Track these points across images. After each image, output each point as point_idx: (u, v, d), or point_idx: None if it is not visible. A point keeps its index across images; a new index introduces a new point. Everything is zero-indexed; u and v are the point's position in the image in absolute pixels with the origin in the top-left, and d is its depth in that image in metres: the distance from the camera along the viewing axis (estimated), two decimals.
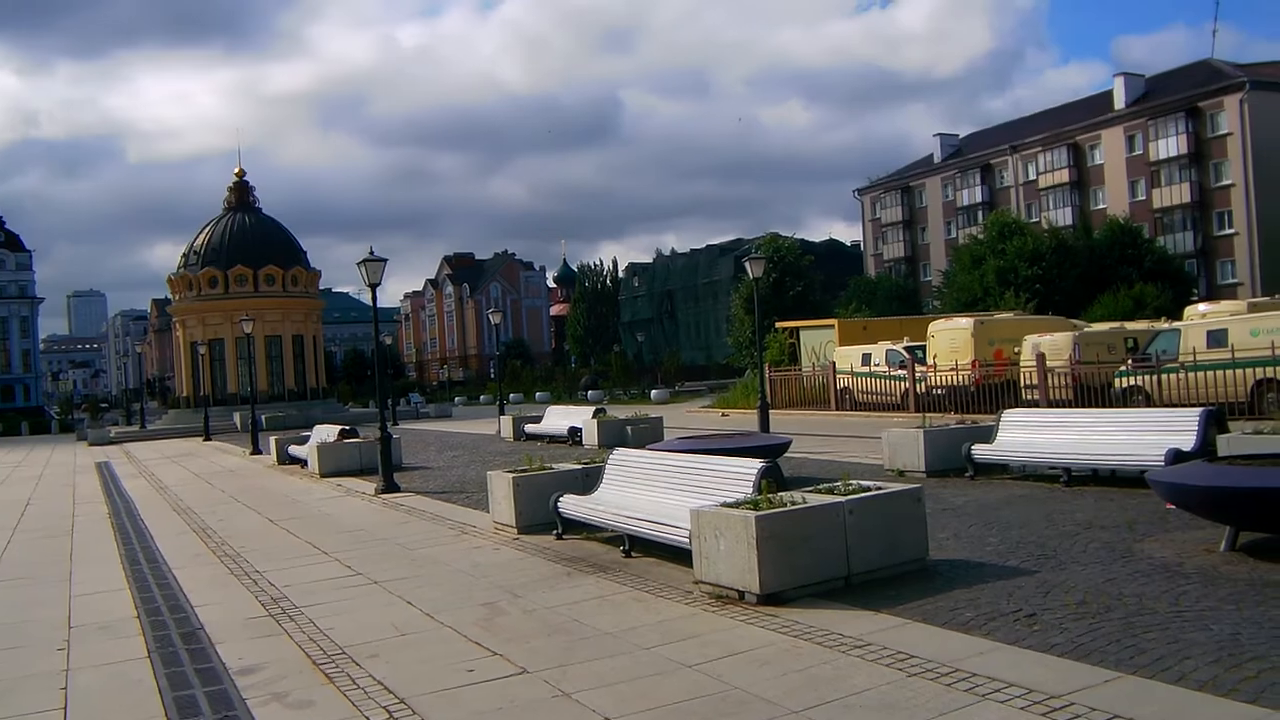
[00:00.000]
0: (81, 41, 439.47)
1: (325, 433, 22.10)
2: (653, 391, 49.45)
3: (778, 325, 39.46)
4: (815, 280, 48.40)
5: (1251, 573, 7.48)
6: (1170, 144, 62.69)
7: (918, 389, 29.02)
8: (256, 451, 28.09)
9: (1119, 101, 66.88)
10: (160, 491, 19.47)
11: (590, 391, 56.58)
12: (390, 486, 16.02)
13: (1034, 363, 25.74)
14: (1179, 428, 12.07)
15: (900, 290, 71.13)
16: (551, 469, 11.55)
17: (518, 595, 8.30)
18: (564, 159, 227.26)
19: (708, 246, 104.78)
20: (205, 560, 11.02)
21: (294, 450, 22.94)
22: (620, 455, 10.72)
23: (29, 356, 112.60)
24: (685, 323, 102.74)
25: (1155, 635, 6.11)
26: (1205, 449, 11.77)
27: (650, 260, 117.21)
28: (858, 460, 17.25)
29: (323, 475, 19.53)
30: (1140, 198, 64.24)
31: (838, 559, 7.72)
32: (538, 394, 59.20)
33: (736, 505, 7.85)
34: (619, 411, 25.83)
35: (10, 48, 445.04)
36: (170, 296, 55.18)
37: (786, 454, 15.38)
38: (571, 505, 10.27)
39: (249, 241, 53.05)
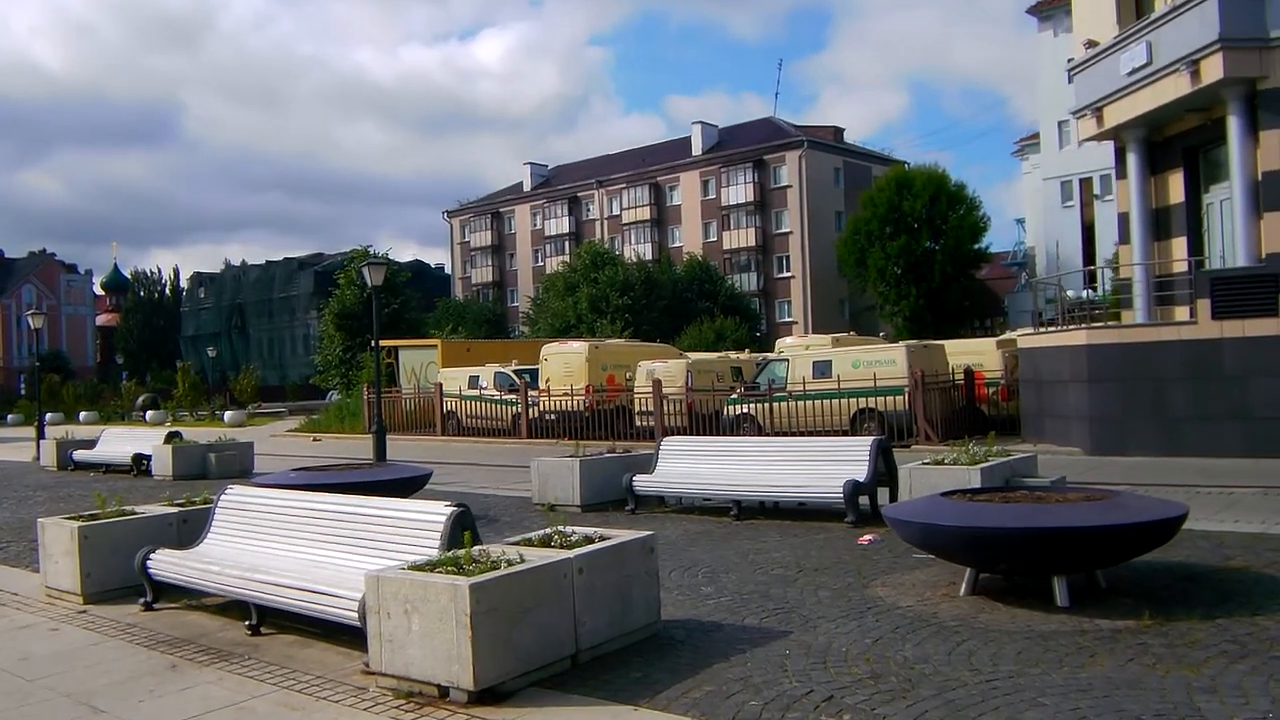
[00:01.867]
0: None
1: None
2: (226, 413, 44.23)
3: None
4: (411, 298, 46.10)
5: (1014, 622, 6.69)
6: (739, 191, 67.78)
7: (530, 414, 27.83)
8: None
9: (696, 148, 71.42)
10: None
11: (149, 412, 49.69)
12: None
13: (649, 389, 25.46)
14: (850, 458, 11.56)
15: (490, 314, 70.77)
16: (135, 514, 8.60)
17: (101, 710, 5.56)
18: (112, 157, 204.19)
19: (285, 259, 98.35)
20: None
21: None
22: (236, 495, 8.10)
23: None
24: (258, 339, 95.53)
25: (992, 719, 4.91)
26: (877, 479, 11.37)
27: (218, 271, 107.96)
28: (493, 492, 15.51)
29: None
30: (713, 238, 68.77)
31: (564, 633, 5.90)
32: (82, 414, 51.05)
33: (431, 567, 5.76)
34: (192, 435, 22.01)
35: None
36: None
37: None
38: (170, 565, 7.51)
39: None
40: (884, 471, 11.47)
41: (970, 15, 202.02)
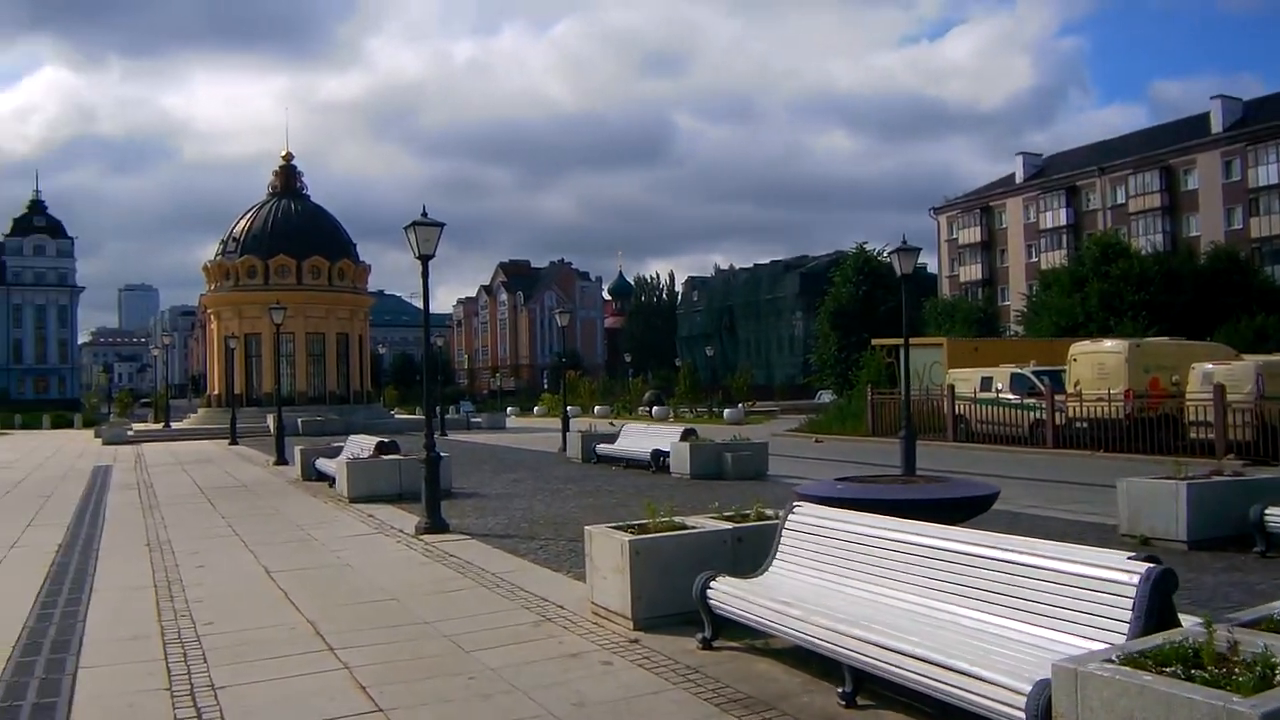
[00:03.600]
0: (135, 40, 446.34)
1: (359, 446, 18.22)
2: (725, 411, 45.15)
3: (874, 343, 35.15)
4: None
5: None
6: (1271, 171, 57.89)
7: (1055, 420, 24.61)
8: (281, 461, 24.27)
9: (1216, 125, 62.12)
10: (146, 512, 15.61)
11: (655, 408, 52.29)
12: (436, 524, 12.02)
13: (1209, 395, 21.28)
14: None
15: (979, 313, 66.38)
16: (687, 528, 7.45)
17: None
18: (611, 177, 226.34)
19: (772, 262, 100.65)
20: (140, 653, 7.05)
21: (322, 464, 19.09)
22: (808, 516, 6.61)
23: (66, 348, 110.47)
24: (746, 339, 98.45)
25: None
26: None
27: (709, 275, 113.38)
28: (1048, 514, 13.04)
29: (352, 500, 15.62)
30: (1237, 226, 59.62)
31: None
32: (596, 408, 55.06)
33: (1153, 661, 3.72)
34: (705, 433, 21.60)
35: (63, 42, 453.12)
36: (206, 287, 51.72)
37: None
38: (736, 599, 6.17)
39: (293, 229, 49.26)
40: None
41: None
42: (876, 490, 9.80)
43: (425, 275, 12.37)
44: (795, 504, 6.84)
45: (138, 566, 10.52)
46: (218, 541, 12.23)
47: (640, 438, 21.14)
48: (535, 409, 64.83)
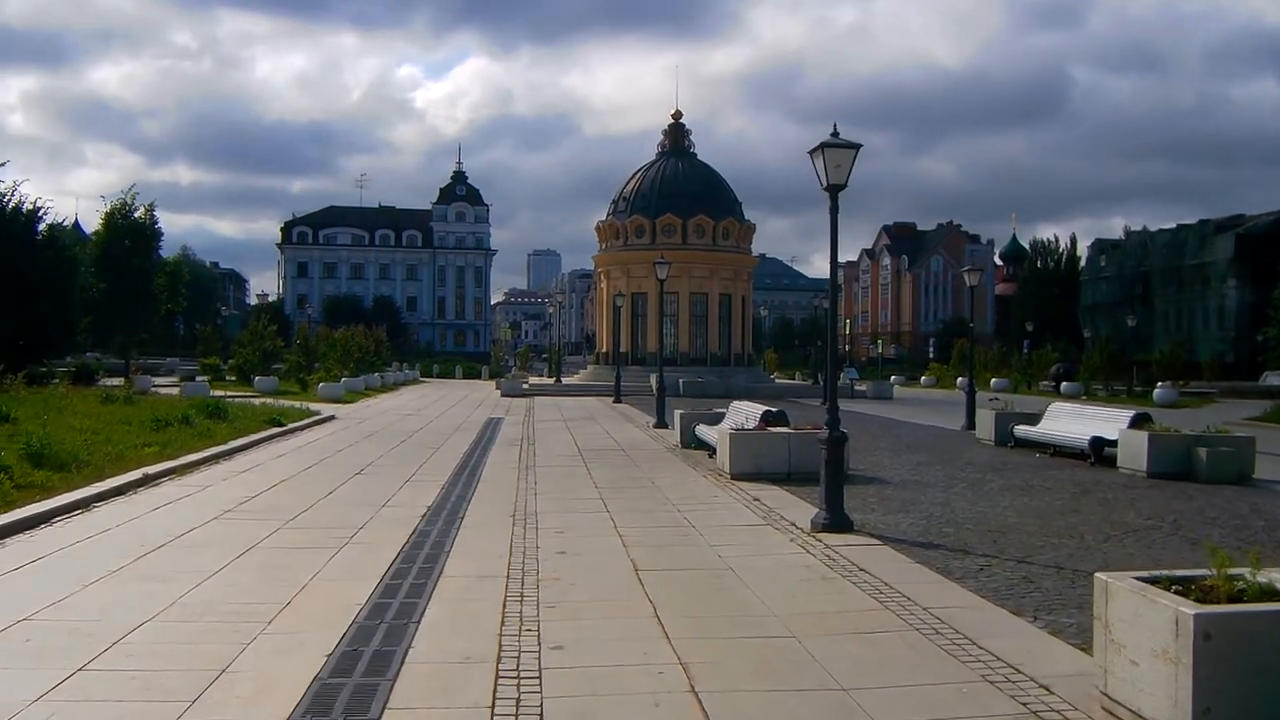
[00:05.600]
0: (542, 27, 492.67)
1: (743, 414, 16.28)
2: (1156, 391, 39.10)
3: None
4: None
5: None
6: None
7: None
8: (661, 424, 23.08)
9: None
10: (522, 473, 14.60)
11: (1063, 384, 46.68)
12: (837, 521, 9.66)
13: None
14: None
15: None
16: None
17: None
18: (997, 136, 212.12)
19: (1200, 222, 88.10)
20: (465, 694, 5.34)
21: (702, 432, 17.41)
22: None
23: (481, 305, 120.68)
24: (1163, 311, 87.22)
25: None
26: None
27: (1120, 238, 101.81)
28: None
29: (733, 476, 13.68)
30: None
31: None
32: (992, 380, 50.09)
33: None
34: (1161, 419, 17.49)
35: (482, 34, 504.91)
36: (598, 246, 52.84)
37: None
38: None
39: (680, 188, 48.86)
40: None
41: None
42: None
43: (834, 210, 9.96)
44: None
45: (496, 546, 9.10)
46: (586, 519, 10.69)
47: (1071, 420, 17.52)
48: (922, 379, 60.71)
